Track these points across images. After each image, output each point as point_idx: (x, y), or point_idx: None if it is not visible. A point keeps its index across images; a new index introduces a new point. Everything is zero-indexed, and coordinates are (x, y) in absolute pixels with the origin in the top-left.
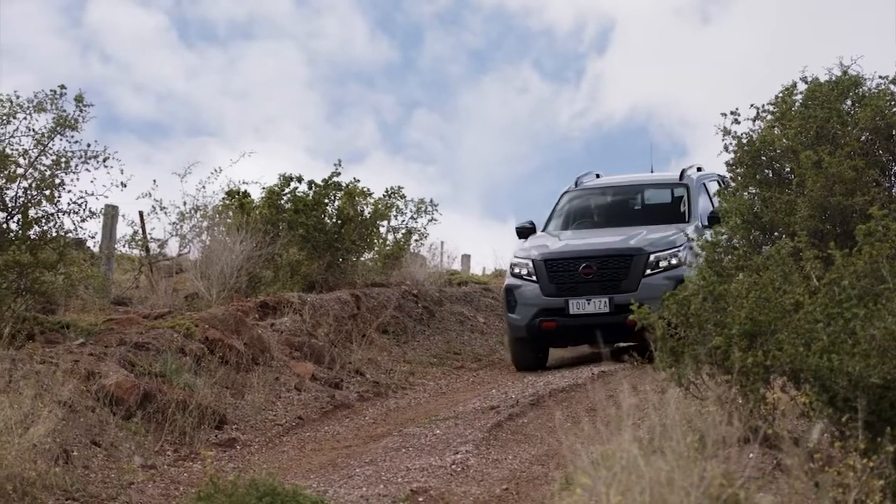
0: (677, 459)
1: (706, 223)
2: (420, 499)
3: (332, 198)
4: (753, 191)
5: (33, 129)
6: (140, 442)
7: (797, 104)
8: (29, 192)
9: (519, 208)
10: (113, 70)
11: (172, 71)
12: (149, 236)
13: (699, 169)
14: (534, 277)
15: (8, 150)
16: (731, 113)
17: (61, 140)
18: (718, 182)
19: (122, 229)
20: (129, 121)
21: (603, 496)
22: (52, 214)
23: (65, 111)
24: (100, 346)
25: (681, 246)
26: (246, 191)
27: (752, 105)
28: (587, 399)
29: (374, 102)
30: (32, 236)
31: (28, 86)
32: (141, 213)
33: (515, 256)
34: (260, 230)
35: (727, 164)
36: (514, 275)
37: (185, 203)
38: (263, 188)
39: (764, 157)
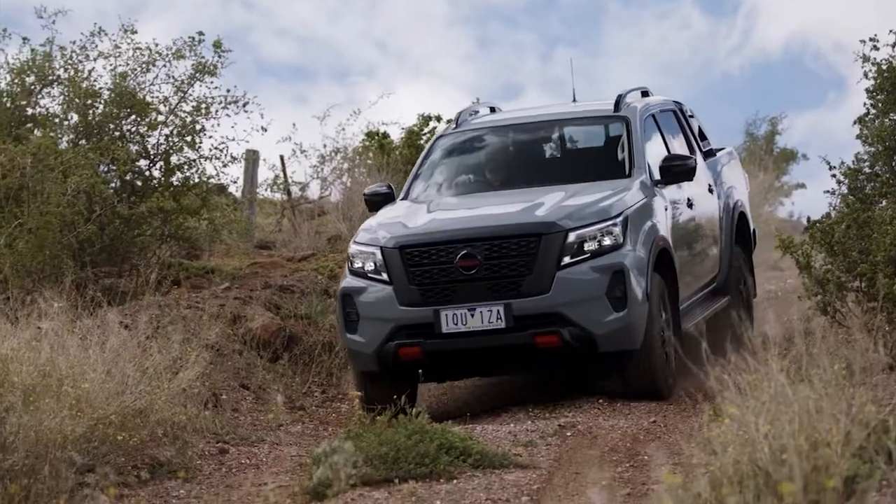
0: (825, 387)
1: (660, 177)
2: (568, 433)
3: None
4: (895, 117)
5: (173, 77)
6: (287, 384)
7: None
8: (170, 138)
9: None
10: (255, 16)
11: (314, 15)
12: (290, 180)
13: (645, 94)
14: (384, 275)
15: (148, 98)
16: (871, 39)
17: (201, 86)
18: (676, 113)
19: (264, 173)
20: (271, 65)
21: (751, 426)
22: (194, 160)
23: (203, 57)
24: (245, 290)
25: (617, 216)
26: (385, 132)
27: (890, 31)
28: (733, 329)
29: (517, 41)
30: (175, 183)
31: (171, 33)
32: (282, 157)
33: (355, 242)
34: (400, 171)
35: (867, 90)
36: (354, 271)
37: (325, 146)
38: (402, 128)
39: None
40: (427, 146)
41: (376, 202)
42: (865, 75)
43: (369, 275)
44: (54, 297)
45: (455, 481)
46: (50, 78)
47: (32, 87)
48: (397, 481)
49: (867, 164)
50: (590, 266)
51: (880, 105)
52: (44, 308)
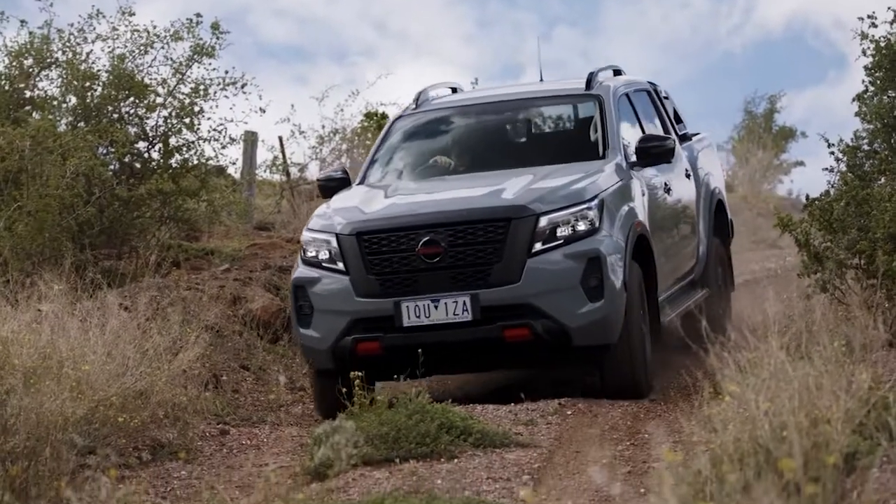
0: (825, 364)
1: (636, 158)
2: (568, 412)
3: None
4: (893, 94)
5: (171, 59)
6: (287, 364)
7: None
8: (169, 120)
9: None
10: None
11: None
12: (289, 161)
13: (617, 72)
14: (340, 265)
15: (147, 80)
16: (868, 17)
17: (199, 68)
18: (650, 94)
19: (263, 155)
20: (271, 46)
21: (751, 403)
22: (193, 142)
23: (201, 39)
24: (244, 271)
25: (592, 199)
26: (384, 112)
27: (889, 8)
28: (732, 307)
29: (517, 21)
30: (174, 164)
31: (169, 15)
32: (280, 138)
33: (308, 229)
34: None
35: (866, 68)
36: (307, 261)
37: (323, 126)
38: (401, 109)
39: None
40: (385, 128)
41: (331, 188)
42: (864, 52)
43: (324, 264)
44: (54, 280)
45: (456, 460)
46: (48, 60)
47: (31, 69)
48: (398, 461)
49: (866, 141)
50: (563, 253)
51: (879, 82)
52: (44, 290)
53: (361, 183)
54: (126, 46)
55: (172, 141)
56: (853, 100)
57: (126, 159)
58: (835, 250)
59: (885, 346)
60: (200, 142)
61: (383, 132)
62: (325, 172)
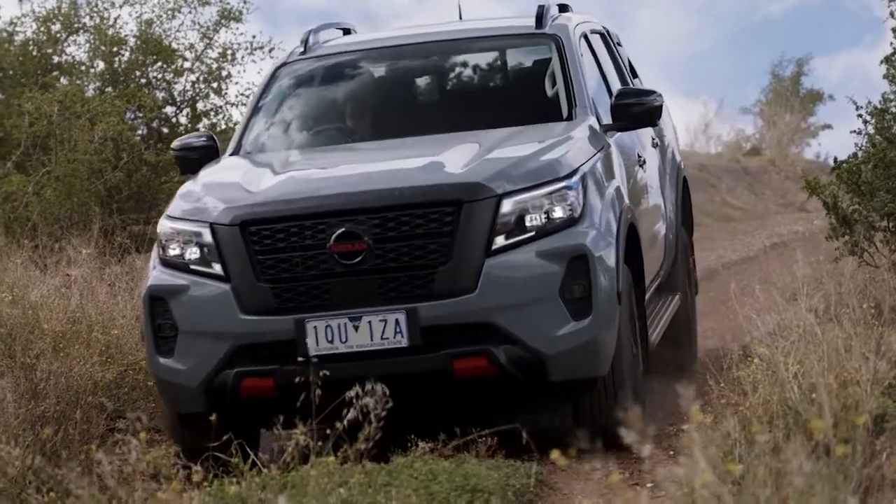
0: (854, 327)
1: (612, 119)
2: None
3: None
4: None
5: (198, 23)
6: None
7: None
8: (196, 85)
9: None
10: None
11: None
12: None
13: (563, 8)
14: (217, 267)
15: (174, 45)
16: None
17: (226, 32)
18: (605, 38)
19: None
20: (301, 10)
21: (780, 365)
22: (221, 107)
23: (229, 4)
24: None
25: (572, 175)
26: None
27: None
28: (761, 271)
29: None
30: (202, 129)
31: None
32: None
33: (169, 217)
34: None
35: (893, 30)
36: (168, 262)
37: None
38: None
39: None
40: (264, 78)
41: (192, 161)
42: (892, 14)
43: (192, 267)
44: (82, 245)
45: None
46: (76, 26)
47: (58, 35)
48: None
49: (894, 103)
50: (535, 250)
51: None
52: (72, 255)
53: (236, 153)
54: (153, 11)
55: (200, 105)
56: (881, 62)
57: (154, 124)
58: (863, 213)
59: None
60: (228, 106)
61: (262, 85)
62: (183, 139)
